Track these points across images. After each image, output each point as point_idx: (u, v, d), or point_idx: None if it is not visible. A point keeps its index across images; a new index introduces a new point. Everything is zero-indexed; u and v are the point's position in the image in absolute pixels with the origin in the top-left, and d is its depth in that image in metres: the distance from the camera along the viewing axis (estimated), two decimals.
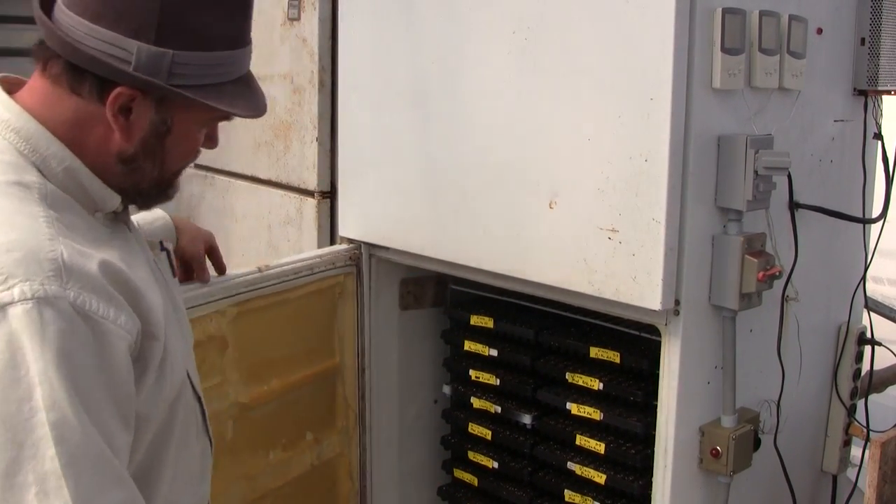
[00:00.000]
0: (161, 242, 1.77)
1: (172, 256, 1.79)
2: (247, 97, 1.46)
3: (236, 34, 1.43)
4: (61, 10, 1.36)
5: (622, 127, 1.92)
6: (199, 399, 1.61)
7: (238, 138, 3.25)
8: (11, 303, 1.19)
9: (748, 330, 2.12)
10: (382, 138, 2.48)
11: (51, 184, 1.36)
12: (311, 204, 2.94)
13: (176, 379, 1.46)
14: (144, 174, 1.44)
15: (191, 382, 1.57)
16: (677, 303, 1.95)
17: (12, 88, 1.42)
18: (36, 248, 1.24)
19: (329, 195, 2.92)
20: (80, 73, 1.36)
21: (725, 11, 1.90)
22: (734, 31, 1.92)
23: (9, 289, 1.19)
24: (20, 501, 1.15)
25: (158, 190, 1.50)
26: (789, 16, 2.04)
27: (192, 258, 2.04)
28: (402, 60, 2.39)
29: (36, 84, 1.41)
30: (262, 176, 3.16)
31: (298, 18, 2.89)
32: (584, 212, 2.01)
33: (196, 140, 1.48)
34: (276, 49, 3.01)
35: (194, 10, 1.37)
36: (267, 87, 3.02)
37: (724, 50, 1.90)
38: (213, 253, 2.10)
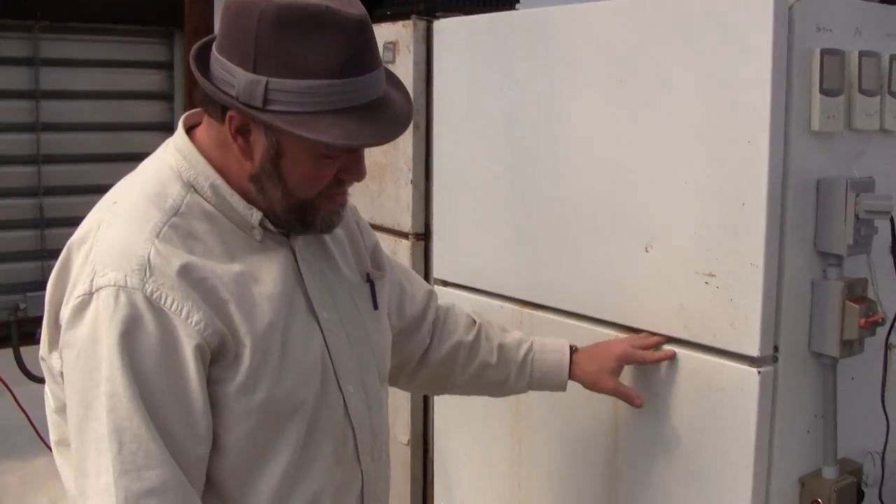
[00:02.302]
0: (367, 274, 1.82)
1: (376, 288, 1.82)
2: (350, 126, 1.45)
3: (338, 63, 1.44)
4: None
5: (719, 170, 1.90)
6: (352, 429, 1.66)
7: None
8: (102, 287, 1.40)
9: (850, 378, 2.06)
10: (477, 181, 2.49)
11: (199, 197, 1.54)
12: (405, 245, 2.96)
13: (285, 398, 1.53)
14: (271, 196, 1.54)
15: (346, 409, 1.64)
16: (776, 349, 1.91)
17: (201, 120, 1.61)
18: (132, 246, 1.44)
19: (423, 237, 2.94)
20: (212, 101, 1.50)
21: (824, 52, 1.87)
22: (833, 72, 1.89)
23: (104, 275, 1.41)
24: (86, 451, 1.39)
25: (294, 216, 1.57)
26: (890, 56, 2.00)
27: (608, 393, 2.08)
28: (498, 103, 2.41)
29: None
30: None
31: (393, 61, 2.93)
32: (680, 256, 1.99)
33: (315, 168, 1.52)
34: None
35: (286, 38, 1.42)
36: None
37: (822, 91, 1.87)
38: (618, 390, 2.06)
